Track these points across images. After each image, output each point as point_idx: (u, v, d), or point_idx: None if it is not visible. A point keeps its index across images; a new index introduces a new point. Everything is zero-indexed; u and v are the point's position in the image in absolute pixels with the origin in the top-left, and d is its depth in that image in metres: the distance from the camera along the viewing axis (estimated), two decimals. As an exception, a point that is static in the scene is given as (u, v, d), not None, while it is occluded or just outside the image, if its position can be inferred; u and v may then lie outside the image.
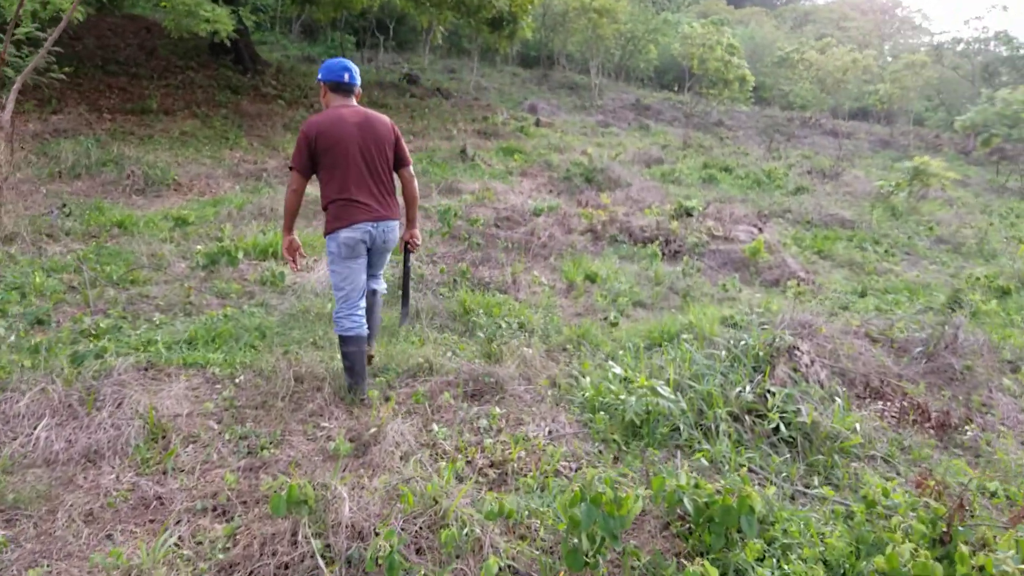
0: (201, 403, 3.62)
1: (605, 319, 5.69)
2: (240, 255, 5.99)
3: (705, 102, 25.89)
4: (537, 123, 18.69)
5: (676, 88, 33.80)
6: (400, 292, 4.55)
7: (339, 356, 3.89)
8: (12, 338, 4.04)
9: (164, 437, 3.28)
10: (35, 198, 7.94)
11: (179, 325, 4.75)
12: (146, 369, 3.86)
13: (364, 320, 3.67)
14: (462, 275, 6.08)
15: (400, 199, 3.83)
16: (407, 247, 4.06)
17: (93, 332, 4.28)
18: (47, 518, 2.70)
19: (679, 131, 22.26)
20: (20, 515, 2.70)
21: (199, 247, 6.30)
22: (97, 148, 9.84)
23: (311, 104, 15.33)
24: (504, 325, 5.18)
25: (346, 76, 3.57)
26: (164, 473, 3.03)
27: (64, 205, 7.49)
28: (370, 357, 3.97)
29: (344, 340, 3.64)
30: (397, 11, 27.83)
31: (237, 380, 3.89)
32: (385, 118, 3.66)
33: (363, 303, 3.67)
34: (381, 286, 4.06)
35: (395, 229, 3.70)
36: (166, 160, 10.02)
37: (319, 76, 3.65)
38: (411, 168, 3.80)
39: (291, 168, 3.53)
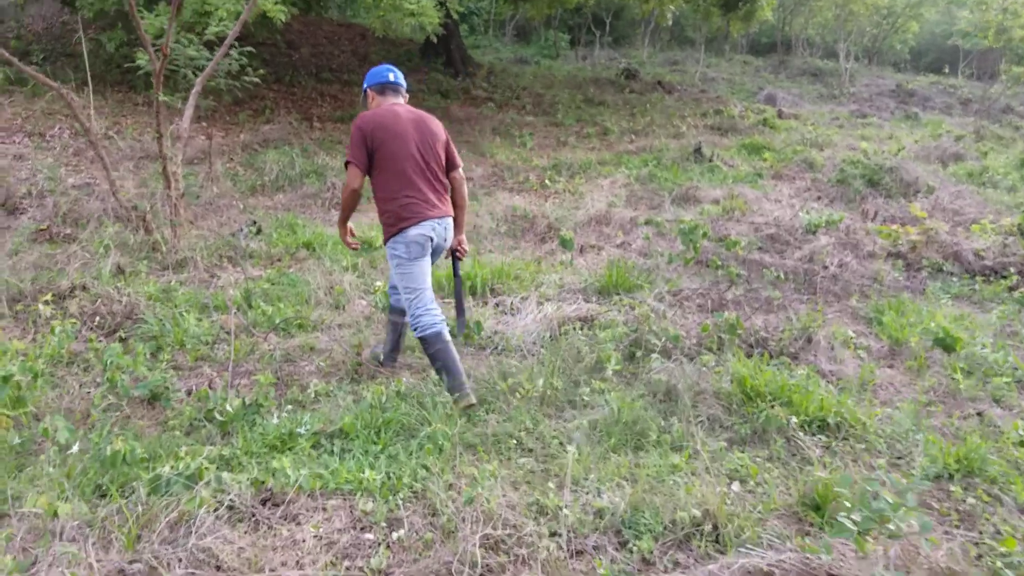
0: (333, 579, 2.17)
1: (985, 422, 3.50)
2: (429, 293, 4.64)
3: (994, 85, 21.14)
4: (779, 115, 16.04)
5: (946, 70, 28.56)
6: (454, 303, 4.09)
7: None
8: (86, 438, 2.90)
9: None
10: (230, 214, 7.34)
11: (339, 400, 3.43)
12: (264, 502, 2.50)
13: (441, 314, 3.52)
14: (730, 330, 4.20)
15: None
16: (455, 254, 3.85)
17: (218, 415, 3.05)
18: None
19: (958, 120, 18.21)
20: None
21: (379, 283, 5.06)
22: (302, 158, 9.30)
23: (523, 106, 14.18)
24: (820, 433, 3.25)
25: (391, 75, 3.55)
26: None
27: (255, 223, 6.75)
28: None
29: (427, 341, 3.47)
30: (614, 4, 26.36)
31: (397, 535, 2.39)
32: (435, 118, 3.58)
33: (440, 314, 3.52)
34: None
35: (451, 228, 3.61)
36: (368, 170, 9.21)
37: (364, 85, 3.62)
38: (461, 170, 3.67)
39: (347, 164, 3.40)
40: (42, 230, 5.73)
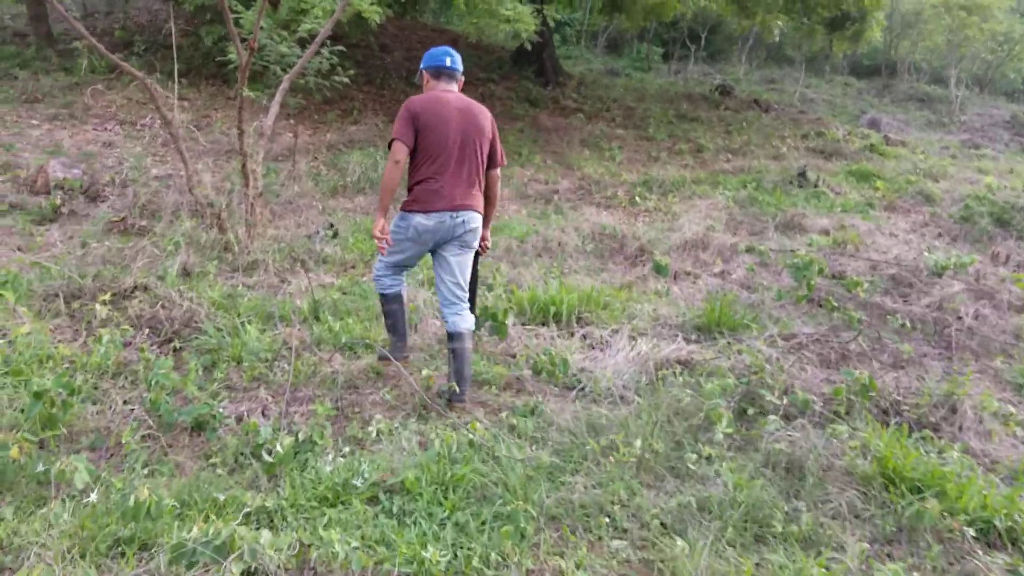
0: None
1: None
2: (510, 320, 4.13)
3: None
4: (886, 141, 14.90)
5: (1068, 101, 26.35)
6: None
7: None
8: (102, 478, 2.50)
9: None
10: (308, 214, 7.06)
11: (403, 442, 2.96)
12: (302, 579, 2.03)
13: (403, 281, 3.66)
14: (862, 392, 3.53)
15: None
16: (477, 249, 3.67)
17: (267, 455, 2.63)
18: None
19: (1086, 156, 16.56)
20: None
21: None
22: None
23: (612, 118, 13.59)
24: (983, 536, 2.57)
25: (448, 60, 3.43)
26: None
27: (331, 225, 6.43)
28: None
29: (386, 298, 3.63)
30: (712, 18, 25.44)
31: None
32: (487, 111, 3.47)
33: (403, 279, 3.67)
34: (468, 322, 3.45)
35: (475, 221, 3.42)
36: (451, 176, 8.84)
37: (421, 65, 3.51)
38: (500, 170, 3.56)
39: (392, 141, 3.28)
40: (117, 221, 5.53)
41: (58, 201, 5.87)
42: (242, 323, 3.93)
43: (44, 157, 7.25)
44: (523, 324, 4.43)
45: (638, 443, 2.90)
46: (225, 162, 8.47)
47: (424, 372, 3.46)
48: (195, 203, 5.23)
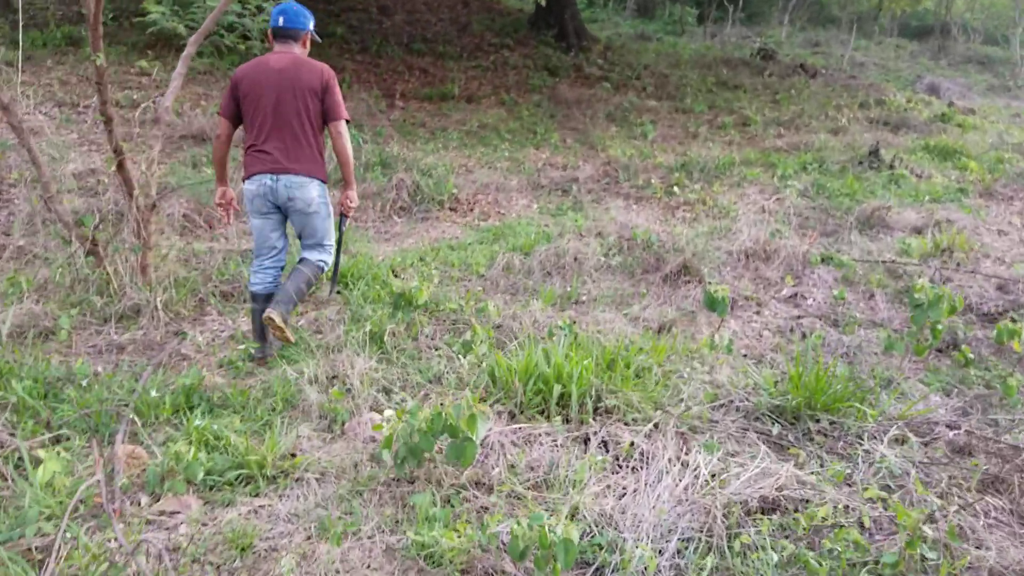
0: None
1: None
2: (485, 425, 2.47)
3: None
4: (950, 107, 12.80)
5: None
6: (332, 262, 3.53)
7: None
8: None
9: None
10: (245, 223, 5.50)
11: None
12: None
13: (269, 280, 3.31)
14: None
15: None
16: (342, 212, 3.44)
17: None
18: None
19: None
20: None
21: (407, 400, 2.95)
22: (372, 145, 7.37)
23: (643, 88, 11.72)
24: None
25: (280, 20, 3.17)
26: None
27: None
28: (271, 320, 3.08)
29: (250, 296, 3.37)
30: (749, -23, 23.09)
31: None
32: (318, 65, 3.16)
33: (274, 263, 3.32)
34: (313, 257, 3.35)
35: (304, 186, 3.15)
36: (448, 163, 7.16)
37: None
38: (342, 124, 3.20)
39: (218, 114, 3.21)
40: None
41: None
42: (53, 439, 2.36)
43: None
44: (511, 416, 2.80)
45: None
46: (178, 150, 6.91)
47: (336, 520, 1.86)
48: (59, 222, 3.65)
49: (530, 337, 3.34)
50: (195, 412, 2.65)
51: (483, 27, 12.85)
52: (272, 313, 3.06)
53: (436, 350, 3.39)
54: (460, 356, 3.21)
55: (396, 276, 4.38)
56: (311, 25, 3.23)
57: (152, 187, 3.72)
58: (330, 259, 3.39)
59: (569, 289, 4.35)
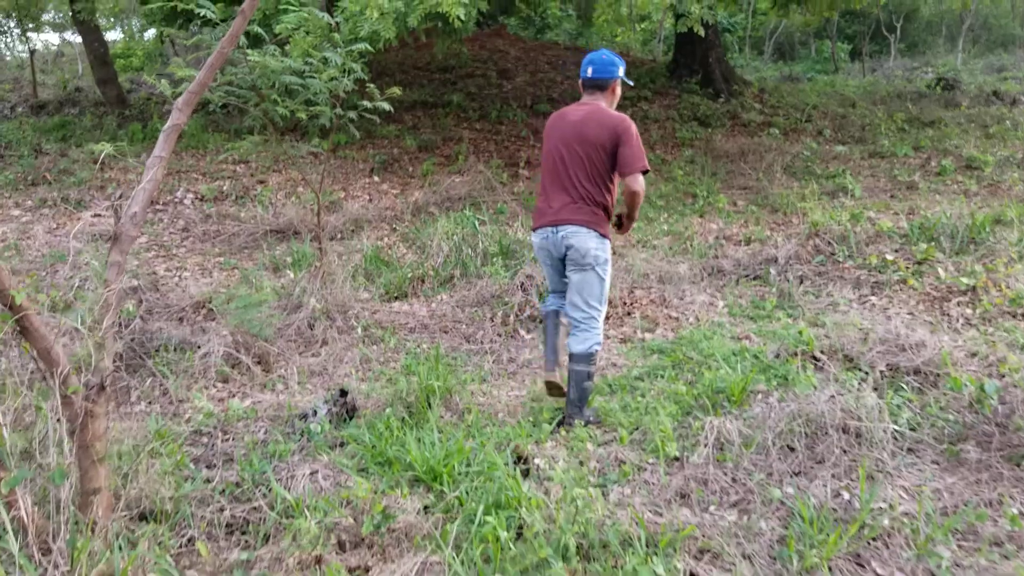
0: None
1: None
2: None
3: None
4: None
5: None
6: None
7: None
8: None
9: None
10: (346, 360, 3.80)
11: None
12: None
13: (556, 303, 3.14)
14: None
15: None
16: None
17: None
18: None
19: None
20: None
21: None
22: (493, 227, 5.65)
23: (818, 131, 9.39)
24: None
25: (589, 71, 2.99)
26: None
27: (344, 393, 3.09)
28: (555, 386, 2.99)
29: (542, 314, 3.29)
30: (906, 5, 20.16)
31: None
32: (614, 118, 2.88)
33: (557, 302, 3.15)
34: (579, 344, 2.96)
35: (578, 236, 2.88)
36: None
37: None
38: (636, 178, 2.83)
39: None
40: None
41: None
42: None
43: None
44: None
45: None
46: (256, 250, 5.50)
47: None
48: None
49: None
50: None
51: (615, 80, 11.13)
52: (558, 377, 2.99)
53: None
54: None
55: (524, 468, 2.46)
56: (621, 72, 3.01)
57: (108, 354, 2.07)
58: (599, 335, 3.00)
59: (858, 505, 2.21)
